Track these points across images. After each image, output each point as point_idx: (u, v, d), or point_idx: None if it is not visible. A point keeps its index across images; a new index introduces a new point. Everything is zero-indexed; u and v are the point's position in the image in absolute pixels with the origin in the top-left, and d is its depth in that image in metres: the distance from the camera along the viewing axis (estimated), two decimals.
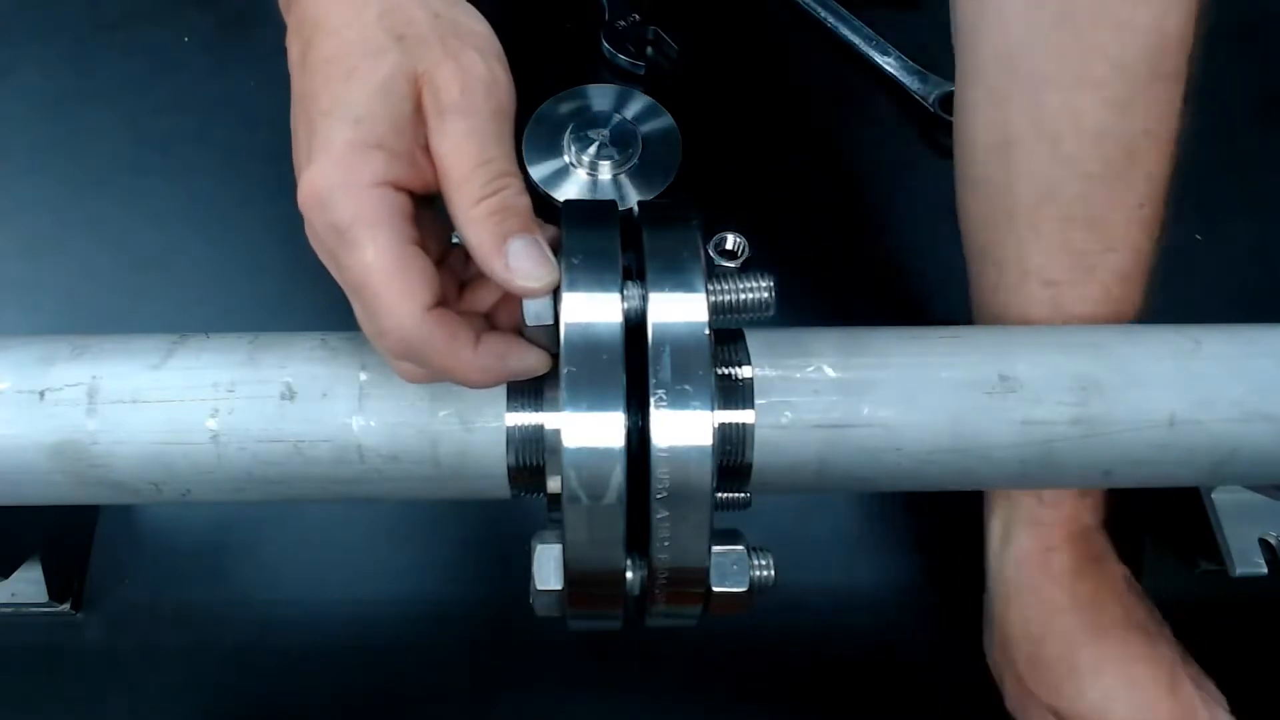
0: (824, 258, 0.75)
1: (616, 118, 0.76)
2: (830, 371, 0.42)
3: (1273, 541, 0.56)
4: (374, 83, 0.38)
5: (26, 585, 0.59)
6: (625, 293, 0.38)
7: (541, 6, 0.83)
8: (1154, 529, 0.61)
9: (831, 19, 0.82)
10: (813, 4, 0.82)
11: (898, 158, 0.79)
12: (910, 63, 0.80)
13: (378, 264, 0.36)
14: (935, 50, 0.80)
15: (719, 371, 0.41)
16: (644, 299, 0.38)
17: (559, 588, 0.39)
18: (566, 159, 0.75)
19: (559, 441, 0.37)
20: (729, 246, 0.73)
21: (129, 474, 0.41)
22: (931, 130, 0.79)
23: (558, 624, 0.42)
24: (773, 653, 0.62)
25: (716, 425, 0.37)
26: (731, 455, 0.41)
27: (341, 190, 0.37)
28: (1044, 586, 0.52)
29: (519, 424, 0.41)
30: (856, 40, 0.81)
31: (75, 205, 0.75)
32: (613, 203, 0.43)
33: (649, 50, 0.80)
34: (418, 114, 0.38)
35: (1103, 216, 0.50)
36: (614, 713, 0.61)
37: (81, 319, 0.71)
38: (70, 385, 0.41)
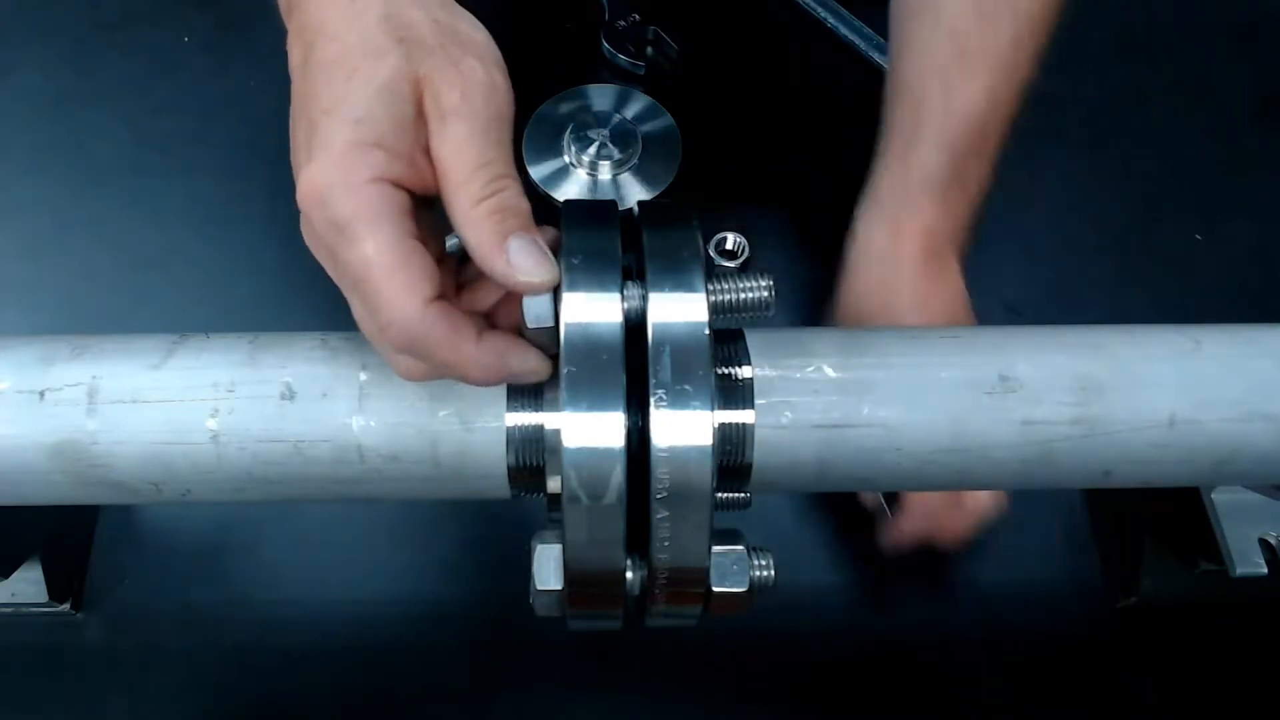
0: (824, 258, 0.75)
1: (616, 118, 0.76)
2: (830, 371, 0.42)
3: (1273, 541, 0.56)
4: (375, 84, 0.38)
5: (26, 585, 0.59)
6: (625, 293, 0.38)
7: (541, 6, 0.83)
8: (1154, 529, 0.61)
9: (831, 19, 0.82)
10: (813, 4, 0.82)
11: None
12: None
13: (378, 258, 0.36)
14: None
15: (719, 371, 0.41)
16: (644, 299, 0.38)
17: (559, 588, 0.39)
18: (566, 159, 0.75)
19: (559, 441, 0.37)
20: (729, 246, 0.74)
21: (129, 474, 0.41)
22: None
23: (558, 624, 0.42)
24: (773, 653, 0.62)
25: (716, 425, 0.37)
26: (731, 455, 0.41)
27: (341, 187, 0.38)
28: (889, 269, 0.60)
29: (519, 424, 0.41)
30: (856, 40, 0.81)
31: (75, 205, 0.75)
32: (613, 203, 0.43)
33: (649, 50, 0.80)
34: (419, 117, 0.38)
35: None
36: (614, 713, 0.61)
37: (81, 319, 0.71)
38: (70, 385, 0.41)
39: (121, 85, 0.80)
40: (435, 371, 0.39)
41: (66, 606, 0.61)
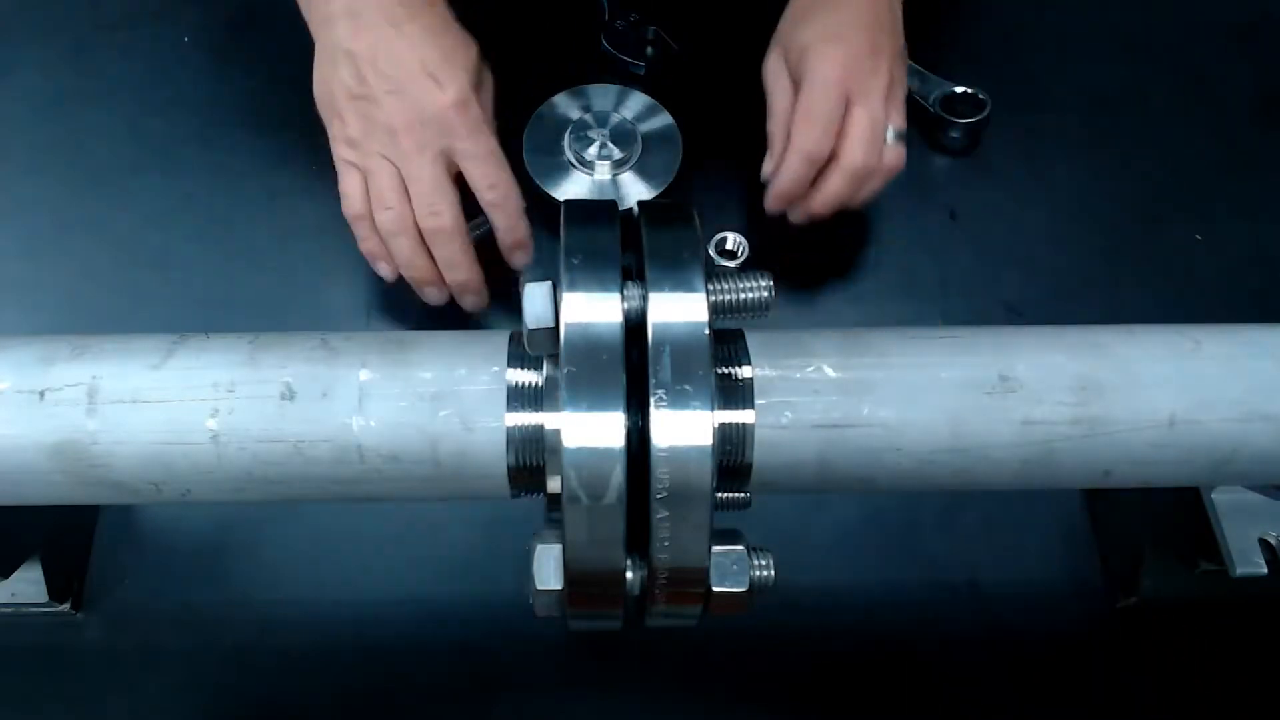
0: (824, 258, 0.75)
1: (616, 118, 0.76)
2: (830, 371, 0.42)
3: (1273, 541, 0.56)
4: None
5: (26, 585, 0.59)
6: (625, 293, 0.38)
7: (541, 6, 0.83)
8: (1154, 529, 0.61)
9: None
10: None
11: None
12: (911, 63, 0.80)
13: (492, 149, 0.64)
14: (935, 50, 0.80)
15: (719, 371, 0.41)
16: (644, 299, 0.38)
17: (559, 588, 0.39)
18: (566, 159, 0.75)
19: (559, 441, 0.37)
20: (729, 246, 0.74)
21: (129, 474, 0.41)
22: (932, 130, 0.79)
23: (558, 624, 0.42)
24: (773, 653, 0.62)
25: (716, 425, 0.37)
26: (731, 455, 0.41)
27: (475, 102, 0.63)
28: None
29: (519, 424, 0.41)
30: None
31: (75, 205, 0.75)
32: (613, 203, 0.43)
33: (649, 50, 0.80)
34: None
35: None
36: (614, 713, 0.61)
37: (81, 319, 0.71)
38: (70, 385, 0.41)
39: (121, 85, 0.80)
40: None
41: (66, 606, 0.61)
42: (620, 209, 0.42)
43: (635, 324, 0.38)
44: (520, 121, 0.76)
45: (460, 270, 0.63)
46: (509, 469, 0.41)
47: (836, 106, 0.63)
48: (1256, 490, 0.56)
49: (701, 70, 0.81)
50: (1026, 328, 0.46)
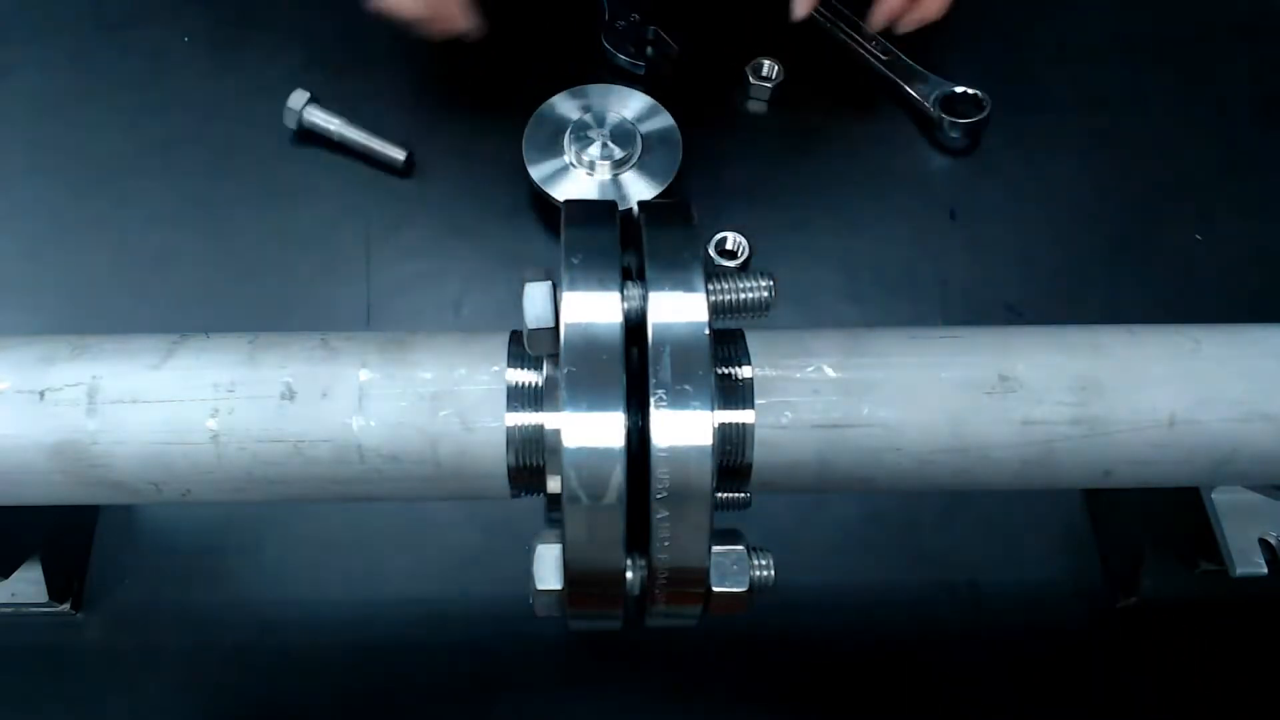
0: (824, 258, 0.75)
1: (616, 118, 0.76)
2: (830, 371, 0.42)
3: (1273, 541, 0.56)
4: None
5: (26, 585, 0.59)
6: (625, 293, 0.38)
7: (541, 6, 0.83)
8: (1154, 529, 0.61)
9: (831, 18, 0.82)
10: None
11: (898, 157, 0.79)
12: (912, 64, 0.80)
13: None
14: (936, 50, 0.80)
15: (719, 371, 0.41)
16: (644, 299, 0.38)
17: (559, 588, 0.39)
18: (566, 159, 0.75)
19: (559, 441, 0.37)
20: (729, 246, 0.74)
21: (129, 474, 0.41)
22: (932, 130, 0.79)
23: (558, 624, 0.42)
24: (773, 653, 0.62)
25: (716, 425, 0.37)
26: (731, 455, 0.41)
27: None
28: None
29: (519, 424, 0.41)
30: (856, 37, 0.81)
31: (75, 205, 0.75)
32: (613, 203, 0.43)
33: (649, 50, 0.80)
34: None
35: None
36: (614, 713, 0.61)
37: (81, 319, 0.71)
38: (70, 385, 0.41)
39: (121, 85, 0.80)
40: None
41: (66, 606, 0.61)
42: (620, 209, 0.42)
43: (635, 324, 0.38)
44: (520, 122, 0.76)
45: None
46: (509, 469, 0.41)
47: None
48: (1256, 490, 0.56)
49: (701, 70, 0.81)
50: (1026, 328, 0.46)
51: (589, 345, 0.37)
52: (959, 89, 0.78)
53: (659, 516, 0.37)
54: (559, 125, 0.76)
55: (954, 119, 0.77)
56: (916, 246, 0.75)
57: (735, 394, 0.41)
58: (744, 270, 0.39)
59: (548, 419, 0.41)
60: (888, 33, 0.79)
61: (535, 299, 0.38)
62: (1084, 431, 0.42)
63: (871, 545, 0.65)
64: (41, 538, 0.59)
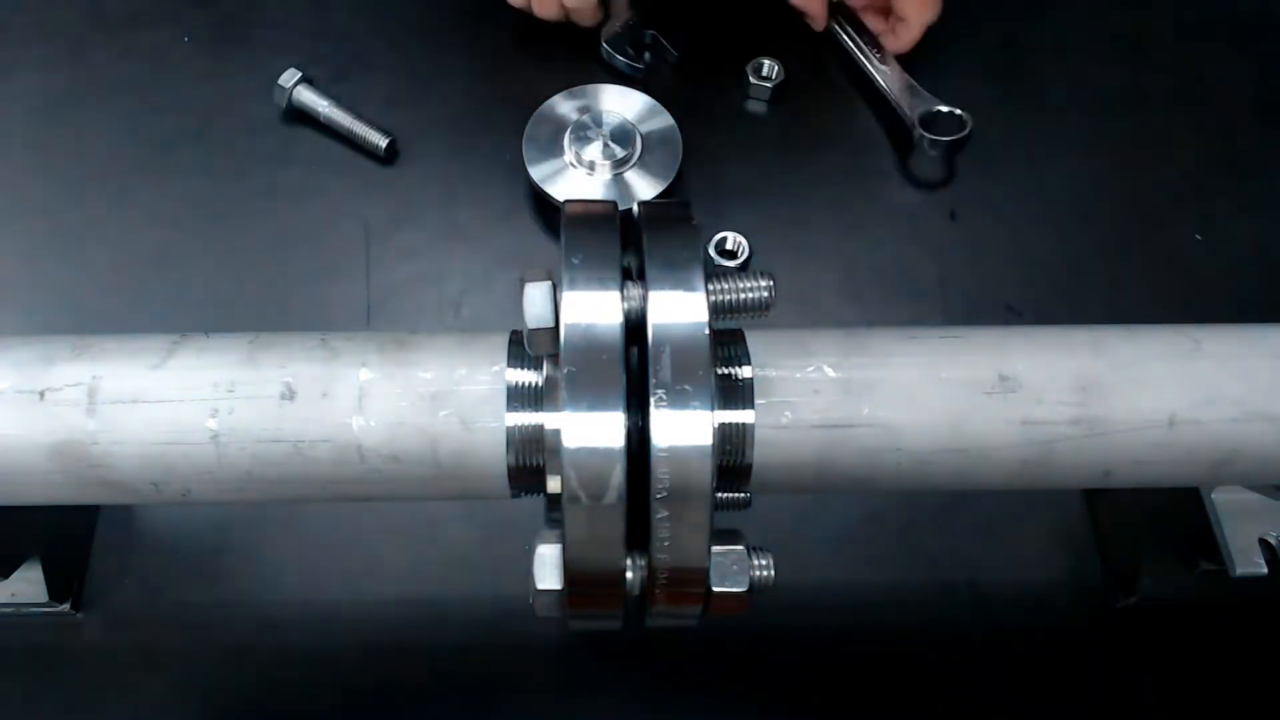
0: (824, 258, 0.75)
1: (616, 118, 0.76)
2: (830, 371, 0.42)
3: (1273, 541, 0.56)
4: None
5: (26, 585, 0.59)
6: (625, 293, 0.38)
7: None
8: (1154, 529, 0.61)
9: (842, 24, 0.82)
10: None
11: (898, 157, 0.79)
12: (906, 75, 0.79)
13: None
14: (935, 49, 0.80)
15: (719, 371, 0.41)
16: (644, 299, 0.38)
17: (559, 588, 0.39)
18: (566, 159, 0.75)
19: (559, 441, 0.37)
20: (729, 246, 0.74)
21: (129, 474, 0.41)
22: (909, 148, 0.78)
23: (558, 624, 0.42)
24: (773, 653, 0.62)
25: (716, 425, 0.37)
26: (731, 455, 0.41)
27: None
28: None
29: (519, 424, 0.41)
30: (856, 41, 0.81)
31: (74, 205, 0.75)
32: (613, 203, 0.43)
33: (646, 55, 0.80)
34: None
35: None
36: (614, 713, 0.61)
37: (81, 319, 0.71)
38: (70, 385, 0.41)
39: (121, 85, 0.80)
40: None
41: (66, 606, 0.61)
42: (620, 209, 0.42)
43: (635, 324, 0.38)
44: (520, 122, 0.76)
45: None
46: (509, 469, 0.41)
47: None
48: (1256, 490, 0.56)
49: (701, 70, 0.81)
50: (1026, 328, 0.46)
51: (589, 345, 0.37)
52: (943, 108, 0.77)
53: (659, 516, 0.37)
54: (559, 125, 0.76)
55: (933, 136, 0.75)
56: (916, 246, 0.75)
57: (735, 394, 0.41)
58: (744, 270, 0.39)
59: (548, 419, 0.41)
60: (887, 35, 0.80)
61: (535, 299, 0.38)
62: (1084, 431, 0.42)
63: (871, 545, 0.65)
64: (41, 538, 0.59)
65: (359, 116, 0.76)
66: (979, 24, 0.84)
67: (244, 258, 0.73)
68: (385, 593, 0.63)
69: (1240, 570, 0.55)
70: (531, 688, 0.61)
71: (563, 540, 0.38)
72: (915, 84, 0.78)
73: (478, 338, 0.43)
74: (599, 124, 0.75)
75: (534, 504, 0.43)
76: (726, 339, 0.43)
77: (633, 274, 0.41)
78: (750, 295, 0.40)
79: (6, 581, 0.59)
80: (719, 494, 0.40)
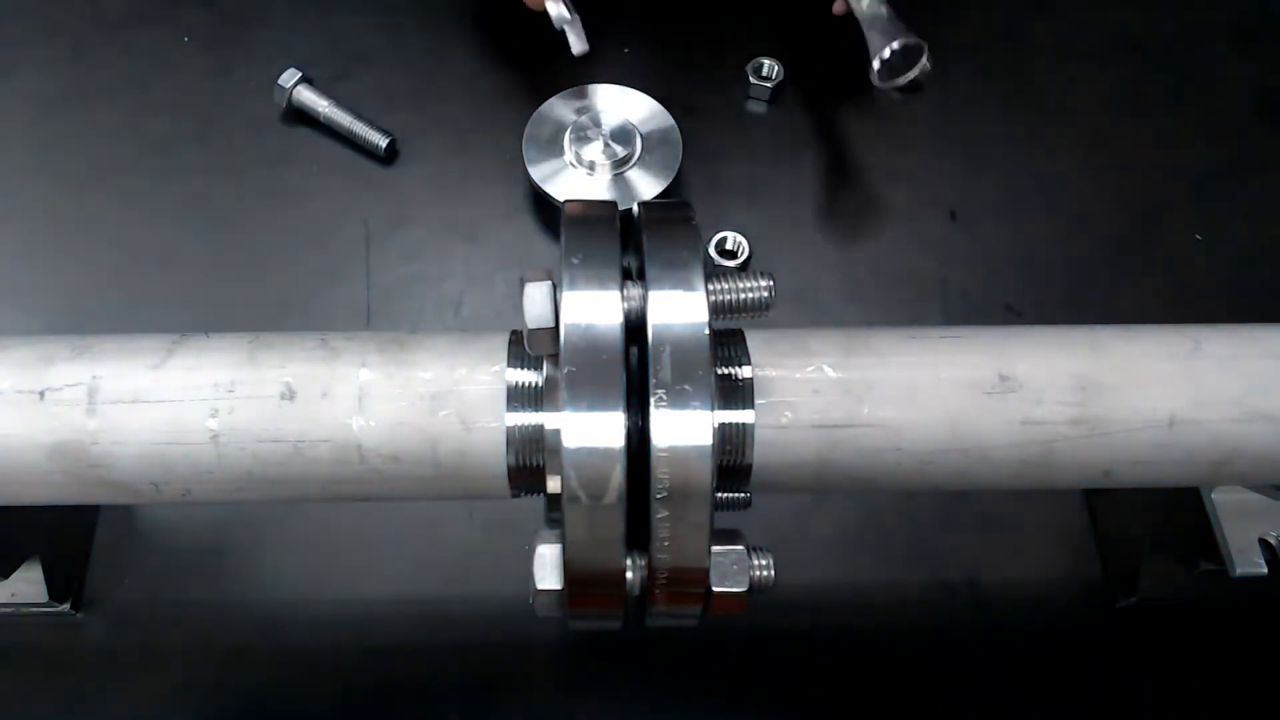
0: (824, 258, 0.75)
1: (617, 118, 0.76)
2: (830, 371, 0.42)
3: (1273, 541, 0.56)
4: None
5: (26, 585, 0.59)
6: (625, 293, 0.38)
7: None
8: (1154, 529, 0.61)
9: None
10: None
11: (898, 157, 0.79)
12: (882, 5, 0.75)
13: None
14: (934, 49, 0.80)
15: (719, 371, 0.41)
16: (644, 299, 0.38)
17: (559, 588, 0.39)
18: (566, 159, 0.75)
19: (559, 441, 0.37)
20: (729, 246, 0.74)
21: (129, 474, 0.41)
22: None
23: (558, 624, 0.42)
24: (773, 653, 0.62)
25: (716, 425, 0.37)
26: (731, 455, 0.41)
27: None
28: None
29: (519, 424, 0.41)
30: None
31: (74, 205, 0.75)
32: (613, 203, 0.43)
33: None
34: None
35: None
36: (614, 713, 0.61)
37: (81, 319, 0.71)
38: (70, 385, 0.41)
39: (121, 85, 0.80)
40: None
41: (66, 606, 0.61)
42: (620, 209, 0.42)
43: (635, 324, 0.38)
44: (520, 122, 0.76)
45: None
46: (509, 469, 0.41)
47: None
48: (1256, 490, 0.55)
49: (701, 70, 0.81)
50: (1026, 328, 0.46)
51: (589, 345, 0.37)
52: (897, 44, 0.67)
53: (659, 516, 0.37)
54: (559, 125, 0.76)
55: (883, 85, 0.67)
56: (916, 246, 0.75)
57: (735, 394, 0.41)
58: (744, 270, 0.39)
59: (548, 419, 0.41)
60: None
61: (535, 299, 0.38)
62: (1084, 431, 0.42)
63: (871, 545, 0.65)
64: (41, 538, 0.59)
65: (359, 116, 0.76)
66: (980, 24, 0.84)
67: (244, 258, 0.73)
68: (385, 593, 0.63)
69: (1240, 570, 0.55)
70: (531, 688, 0.61)
71: (563, 540, 0.38)
72: (887, 14, 0.69)
73: (478, 338, 0.43)
74: (599, 124, 0.75)
75: (534, 504, 0.43)
76: (726, 339, 0.43)
77: (633, 274, 0.41)
78: (750, 295, 0.40)
79: (6, 581, 0.59)
80: (719, 494, 0.40)
